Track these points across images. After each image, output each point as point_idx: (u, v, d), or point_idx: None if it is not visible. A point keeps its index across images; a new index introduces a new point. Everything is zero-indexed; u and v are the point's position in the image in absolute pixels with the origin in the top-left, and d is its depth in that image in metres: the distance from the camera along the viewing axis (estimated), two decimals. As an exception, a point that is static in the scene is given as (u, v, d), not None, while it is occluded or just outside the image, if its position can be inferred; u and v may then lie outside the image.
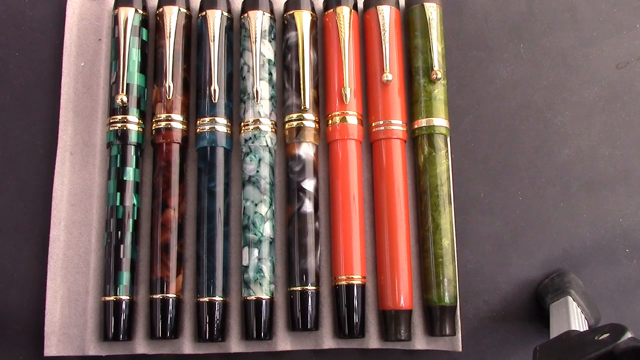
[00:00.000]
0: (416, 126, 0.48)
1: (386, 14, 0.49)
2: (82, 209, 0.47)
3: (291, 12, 0.49)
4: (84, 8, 0.51)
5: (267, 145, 0.47)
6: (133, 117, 0.47)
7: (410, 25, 0.50)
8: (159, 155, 0.47)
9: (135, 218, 0.46)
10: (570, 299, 0.44)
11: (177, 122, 0.47)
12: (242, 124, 0.47)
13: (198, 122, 0.47)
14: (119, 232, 0.45)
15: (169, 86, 0.47)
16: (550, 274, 0.48)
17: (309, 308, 0.45)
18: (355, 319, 0.45)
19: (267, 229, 0.46)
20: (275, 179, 0.48)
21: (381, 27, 0.49)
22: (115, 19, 0.48)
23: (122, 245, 0.45)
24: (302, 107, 0.47)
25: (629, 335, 0.33)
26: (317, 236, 0.46)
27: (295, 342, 0.46)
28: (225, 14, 0.49)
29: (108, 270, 0.45)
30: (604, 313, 0.47)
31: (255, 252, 0.45)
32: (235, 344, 0.45)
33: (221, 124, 0.47)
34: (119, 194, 0.46)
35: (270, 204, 0.46)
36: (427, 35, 0.49)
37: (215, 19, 0.48)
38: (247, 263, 0.45)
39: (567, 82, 0.52)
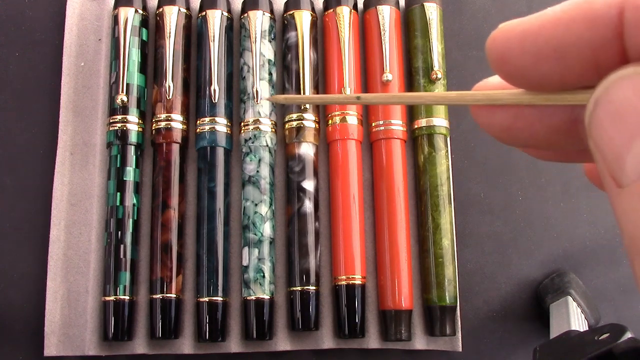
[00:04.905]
0: (416, 126, 0.48)
1: (386, 14, 0.49)
2: (82, 209, 0.47)
3: (291, 12, 0.49)
4: (84, 8, 0.51)
5: (267, 145, 0.47)
6: (133, 117, 0.47)
7: (410, 25, 0.50)
8: (159, 155, 0.47)
9: (135, 218, 0.46)
10: (570, 299, 0.44)
11: (177, 122, 0.47)
12: (242, 124, 0.47)
13: (198, 122, 0.47)
14: (119, 232, 0.45)
15: (169, 86, 0.47)
16: (550, 274, 0.48)
17: (309, 308, 0.45)
18: (356, 319, 0.45)
19: (267, 229, 0.46)
20: (275, 179, 0.48)
21: (381, 27, 0.49)
22: (115, 19, 0.48)
23: (122, 245, 0.45)
24: (302, 107, 0.47)
25: (629, 335, 0.32)
26: (317, 236, 0.46)
27: (295, 342, 0.46)
28: (225, 14, 0.49)
29: (108, 270, 0.45)
30: (604, 313, 0.47)
31: (255, 252, 0.45)
32: (235, 344, 0.45)
33: (221, 124, 0.47)
34: (119, 194, 0.46)
35: (270, 204, 0.46)
36: (427, 35, 0.49)
37: (215, 19, 0.48)
38: (247, 263, 0.45)
39: (567, 82, 0.52)
